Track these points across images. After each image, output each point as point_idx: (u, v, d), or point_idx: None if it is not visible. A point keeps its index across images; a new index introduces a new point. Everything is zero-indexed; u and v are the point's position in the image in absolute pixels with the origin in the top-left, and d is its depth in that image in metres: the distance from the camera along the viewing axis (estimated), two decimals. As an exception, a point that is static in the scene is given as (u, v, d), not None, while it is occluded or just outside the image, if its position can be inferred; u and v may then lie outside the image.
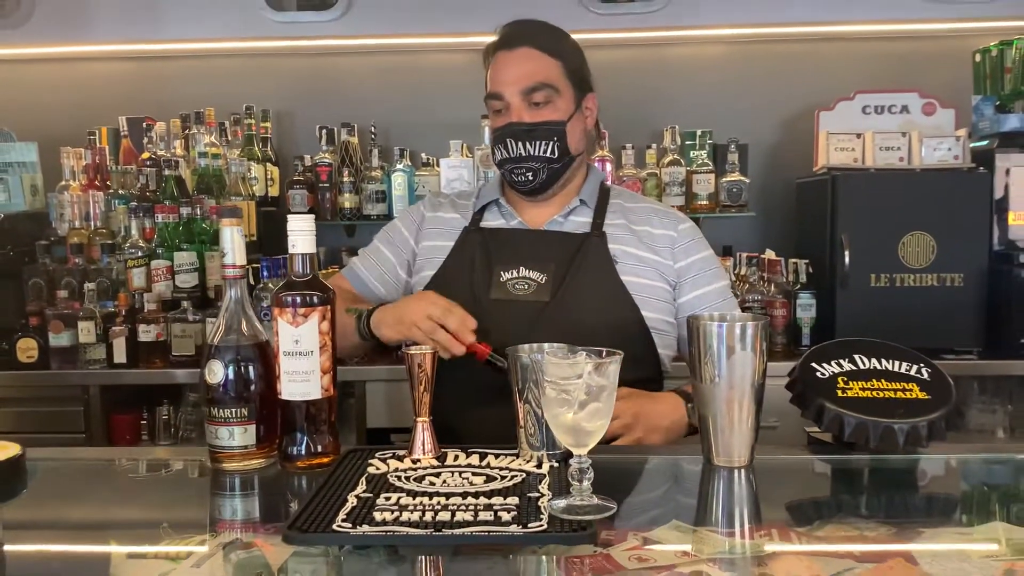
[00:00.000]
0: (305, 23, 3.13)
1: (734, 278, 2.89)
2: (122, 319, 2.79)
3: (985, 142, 2.89)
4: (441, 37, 3.22)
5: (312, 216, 1.29)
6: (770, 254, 2.94)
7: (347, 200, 3.19)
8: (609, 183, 1.86)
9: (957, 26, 3.15)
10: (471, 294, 1.60)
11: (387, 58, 3.37)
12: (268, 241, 3.19)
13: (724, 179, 3.14)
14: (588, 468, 1.03)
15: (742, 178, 3.14)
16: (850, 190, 2.81)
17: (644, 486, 1.27)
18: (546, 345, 1.28)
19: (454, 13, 3.12)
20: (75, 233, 2.93)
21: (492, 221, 1.74)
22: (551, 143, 1.64)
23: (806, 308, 2.85)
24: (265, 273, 2.80)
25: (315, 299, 1.22)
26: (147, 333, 2.77)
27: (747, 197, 3.14)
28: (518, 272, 1.63)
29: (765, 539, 1.04)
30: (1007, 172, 2.78)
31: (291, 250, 1.24)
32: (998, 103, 2.92)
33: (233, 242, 1.24)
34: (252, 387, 1.25)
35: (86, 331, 2.78)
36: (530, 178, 1.66)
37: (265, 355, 1.26)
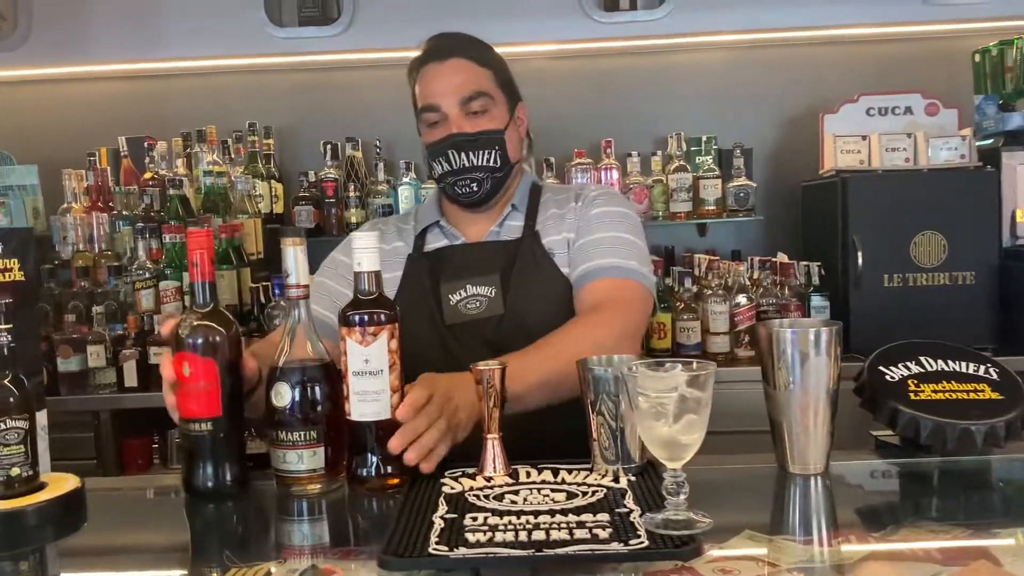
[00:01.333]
0: (308, 39, 3.10)
1: (747, 282, 2.90)
2: (132, 342, 2.75)
3: (990, 141, 2.92)
4: (444, 49, 3.20)
5: (376, 233, 1.27)
6: (782, 257, 2.94)
7: (353, 215, 3.16)
8: (540, 183, 1.82)
9: (954, 27, 3.18)
10: (428, 324, 1.57)
11: (390, 72, 3.31)
12: (275, 258, 3.15)
13: (731, 184, 3.15)
14: (684, 482, 1.02)
15: (748, 182, 3.15)
16: (860, 192, 2.82)
17: (717, 496, 1.25)
18: (616, 357, 1.27)
19: (456, 26, 3.07)
20: (80, 256, 2.89)
21: (434, 243, 1.69)
22: (493, 152, 1.62)
23: (820, 310, 2.86)
24: (277, 291, 2.78)
25: (383, 317, 1.20)
26: (158, 356, 2.72)
27: (754, 201, 3.15)
28: (465, 291, 1.60)
29: (845, 546, 1.04)
30: (1015, 169, 2.81)
31: (356, 268, 1.22)
32: (1001, 102, 2.95)
33: (296, 262, 1.22)
34: (319, 409, 1.22)
35: (95, 355, 2.74)
36: (475, 189, 1.63)
37: (331, 376, 1.24)
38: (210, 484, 1.23)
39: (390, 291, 1.62)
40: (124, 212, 3.01)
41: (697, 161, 3.22)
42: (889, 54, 3.30)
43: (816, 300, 2.87)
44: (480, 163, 1.61)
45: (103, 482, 1.38)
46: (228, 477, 1.24)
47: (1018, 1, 3.02)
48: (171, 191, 2.94)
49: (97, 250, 2.93)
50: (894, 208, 2.80)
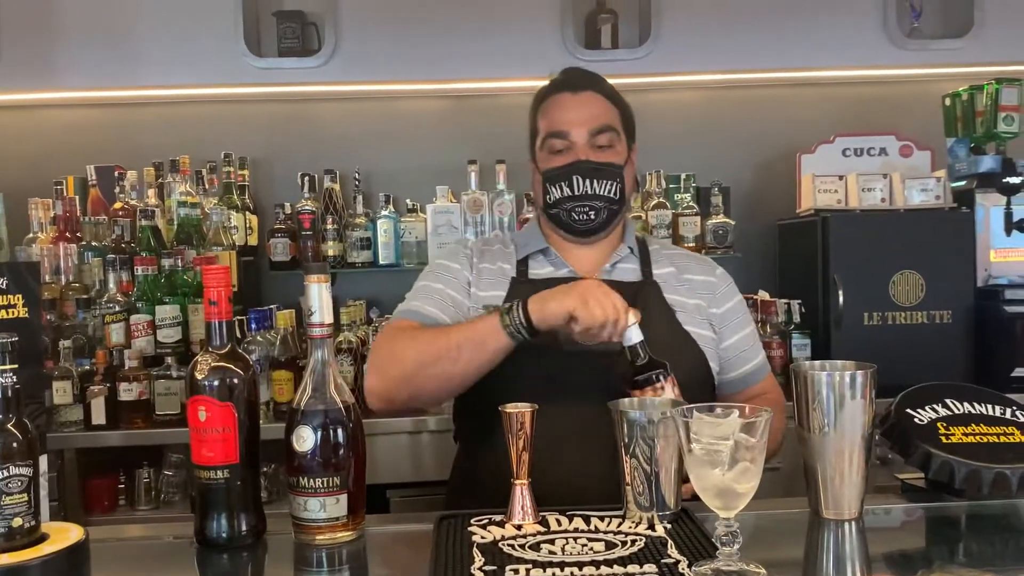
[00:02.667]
0: (288, 69, 3.05)
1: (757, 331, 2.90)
2: (101, 378, 2.64)
3: (963, 183, 2.98)
4: (425, 84, 3.18)
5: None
6: (764, 295, 2.96)
7: (331, 248, 3.10)
8: (639, 233, 1.86)
9: (926, 71, 3.26)
10: (536, 347, 1.54)
11: (370, 104, 3.31)
12: (248, 292, 3.09)
13: (709, 221, 3.17)
14: (737, 531, 0.99)
15: (727, 220, 3.17)
16: (840, 231, 2.86)
17: (749, 541, 1.22)
18: (648, 399, 1.25)
19: (438, 61, 3.09)
20: (47, 288, 2.77)
21: (539, 270, 1.69)
22: (615, 184, 1.64)
23: (801, 348, 2.88)
24: (253, 326, 2.70)
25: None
26: (128, 392, 2.62)
27: (732, 238, 3.17)
28: None
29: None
30: (988, 211, 2.87)
31: (628, 343, 1.33)
32: (972, 145, 3.02)
33: (321, 299, 1.17)
34: (342, 453, 1.17)
35: (62, 391, 2.62)
36: (591, 217, 1.64)
37: (354, 419, 1.19)
38: (225, 534, 1.17)
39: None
40: (93, 243, 2.91)
41: (676, 198, 3.23)
42: (864, 97, 3.37)
43: (797, 338, 2.88)
44: (602, 192, 1.63)
45: (107, 531, 1.30)
46: (244, 527, 1.18)
47: (988, 47, 3.11)
48: (143, 222, 2.86)
49: (64, 282, 2.82)
50: (873, 247, 2.84)
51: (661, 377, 1.38)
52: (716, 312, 1.70)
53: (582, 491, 1.31)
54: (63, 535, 1.13)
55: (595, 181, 1.62)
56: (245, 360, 1.19)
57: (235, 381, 1.16)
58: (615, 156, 1.65)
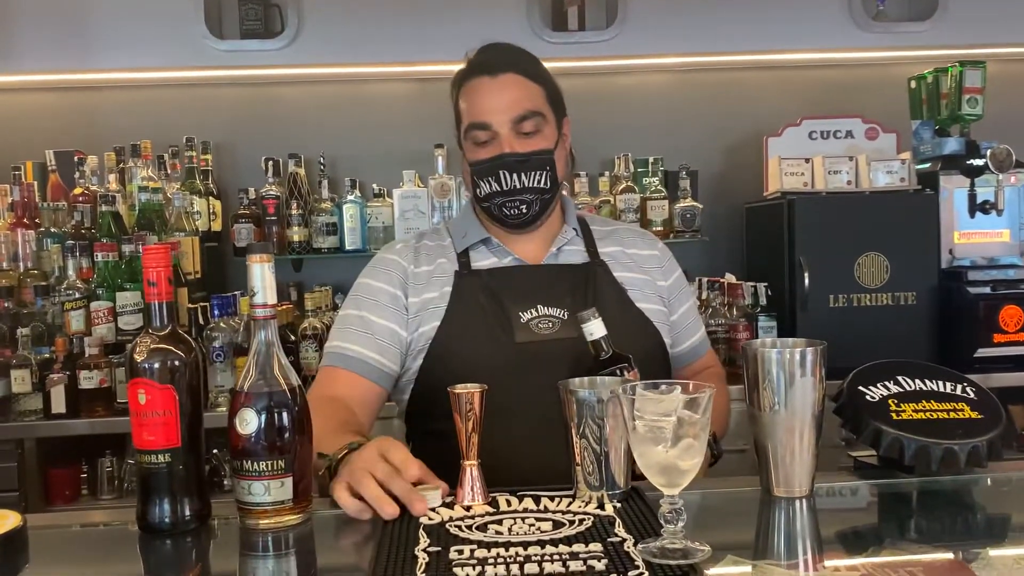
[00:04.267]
0: (250, 51, 3.01)
1: (697, 302, 2.90)
2: (60, 366, 2.61)
3: (927, 165, 2.99)
4: (390, 67, 3.15)
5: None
6: (730, 278, 2.96)
7: (296, 233, 3.07)
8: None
9: (891, 54, 3.27)
10: (490, 340, 1.52)
11: (335, 88, 3.28)
12: (213, 278, 3.05)
13: (677, 205, 3.16)
14: (681, 509, 0.98)
15: (695, 204, 3.17)
16: (806, 213, 2.86)
17: (700, 520, 1.22)
18: (598, 378, 1.23)
19: (403, 43, 3.06)
20: (3, 275, 2.73)
21: (482, 261, 1.63)
22: (544, 173, 1.56)
23: (767, 331, 2.88)
24: (216, 312, 2.67)
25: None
26: (89, 380, 2.59)
27: (700, 222, 3.17)
28: (536, 311, 1.55)
29: (832, 570, 1.01)
30: (952, 192, 2.88)
31: (591, 338, 1.35)
32: (937, 127, 3.03)
33: (264, 280, 1.15)
34: (287, 436, 1.15)
35: (20, 380, 2.59)
36: (524, 211, 1.58)
37: (299, 402, 1.16)
38: (168, 519, 1.14)
39: (439, 307, 1.57)
40: (52, 229, 2.86)
41: (644, 182, 3.23)
42: (830, 79, 3.38)
43: (763, 320, 2.89)
44: (531, 184, 1.55)
45: (46, 518, 1.27)
46: (187, 512, 1.15)
47: (953, 30, 3.12)
48: (103, 207, 2.82)
49: (23, 268, 2.78)
50: (838, 230, 2.85)
51: (624, 371, 1.38)
52: (664, 285, 1.69)
53: (540, 471, 1.29)
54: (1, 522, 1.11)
55: (523, 174, 1.54)
56: (187, 342, 1.16)
57: (176, 363, 1.14)
58: (543, 141, 1.56)
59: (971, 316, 2.81)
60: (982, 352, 2.80)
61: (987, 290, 2.82)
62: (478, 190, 1.59)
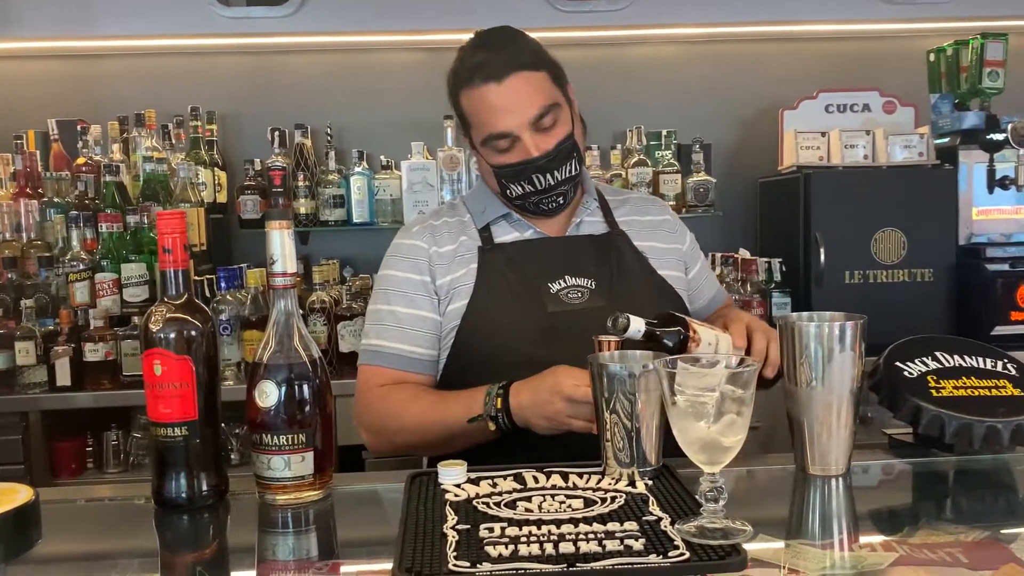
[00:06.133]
0: (256, 19, 2.94)
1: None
2: (65, 338, 2.57)
3: (946, 139, 2.94)
4: (399, 35, 3.09)
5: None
6: (744, 253, 2.92)
7: (303, 205, 3.01)
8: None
9: (911, 26, 3.21)
10: (522, 312, 1.49)
11: (342, 57, 3.21)
12: (218, 250, 3.01)
13: (690, 179, 3.11)
14: (722, 487, 0.94)
15: (708, 178, 3.12)
16: (822, 188, 2.81)
17: (733, 498, 1.18)
18: (629, 352, 1.19)
19: (412, 11, 2.99)
20: (7, 245, 2.68)
21: (504, 236, 1.59)
22: (572, 161, 1.53)
23: (781, 307, 2.84)
24: (223, 284, 2.63)
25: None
26: (94, 352, 2.55)
27: (713, 197, 3.12)
28: (564, 282, 1.52)
29: (870, 551, 0.98)
30: (971, 168, 2.83)
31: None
32: (956, 101, 2.97)
33: (283, 247, 1.10)
34: (308, 410, 1.11)
35: (24, 352, 2.54)
36: (561, 202, 1.56)
37: (320, 374, 1.12)
38: (184, 494, 1.11)
39: (466, 284, 1.53)
40: (55, 199, 2.81)
41: (657, 156, 3.17)
42: (847, 52, 3.31)
43: (777, 296, 2.85)
44: (563, 177, 1.52)
45: (59, 492, 1.24)
46: (204, 486, 1.12)
47: (973, 2, 3.05)
48: (107, 177, 2.75)
49: (26, 239, 2.73)
50: (855, 205, 2.80)
51: (681, 335, 1.30)
52: (682, 248, 1.69)
53: (581, 444, 1.25)
54: (11, 497, 1.07)
55: (554, 171, 1.50)
56: (204, 312, 1.12)
57: (193, 334, 1.10)
58: (563, 127, 1.50)
59: (988, 293, 2.76)
60: (999, 330, 2.76)
61: (1005, 267, 2.77)
62: (508, 191, 1.54)
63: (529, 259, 1.55)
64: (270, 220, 1.10)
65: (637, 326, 1.26)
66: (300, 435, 1.10)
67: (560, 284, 1.52)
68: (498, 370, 1.40)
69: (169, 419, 1.09)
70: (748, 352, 1.35)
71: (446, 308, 1.54)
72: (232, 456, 2.61)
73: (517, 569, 0.87)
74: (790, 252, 2.90)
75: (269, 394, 1.09)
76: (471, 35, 1.57)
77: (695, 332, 1.29)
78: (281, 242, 1.11)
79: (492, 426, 1.35)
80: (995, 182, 2.80)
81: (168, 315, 1.10)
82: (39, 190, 2.86)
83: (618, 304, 1.48)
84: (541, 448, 1.31)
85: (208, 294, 2.67)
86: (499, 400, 1.34)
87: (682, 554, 0.89)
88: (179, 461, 1.10)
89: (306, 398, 1.11)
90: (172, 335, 1.09)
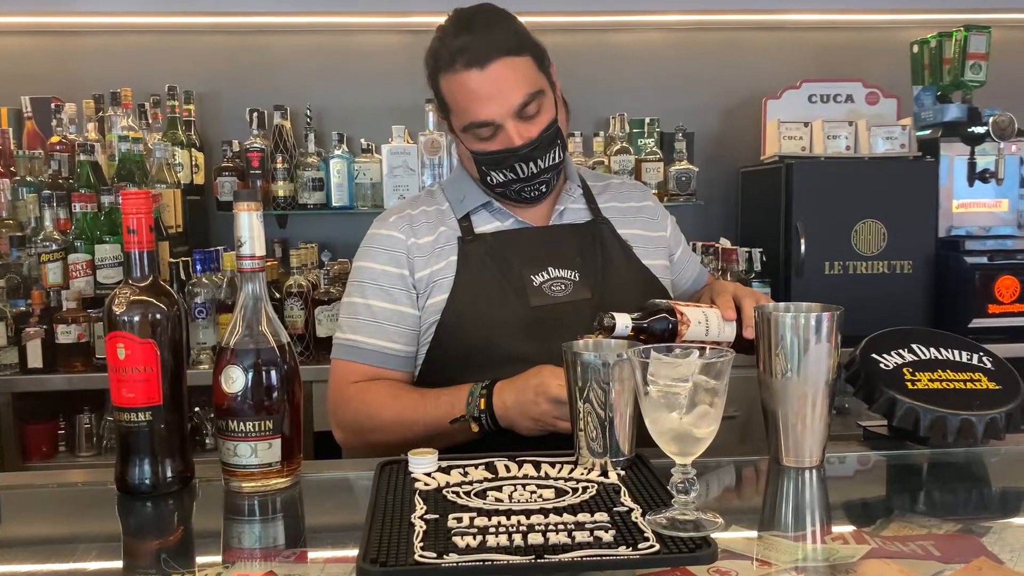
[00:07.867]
0: (235, -3, 2.90)
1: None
2: (37, 319, 2.53)
3: (928, 131, 2.94)
4: (381, 16, 3.05)
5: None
6: (725, 243, 2.91)
7: (281, 188, 2.98)
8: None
9: (895, 17, 3.20)
10: (505, 306, 1.46)
11: (323, 38, 3.17)
12: (195, 232, 2.97)
13: (672, 167, 3.10)
14: (694, 479, 0.93)
15: (690, 166, 3.11)
16: (803, 178, 2.81)
17: (706, 490, 1.18)
18: (604, 341, 1.18)
19: (397, -7, 2.96)
20: (-22, 224, 2.64)
21: (485, 225, 1.55)
22: (555, 148, 1.48)
23: (761, 297, 2.83)
24: (199, 267, 2.59)
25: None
26: (67, 334, 2.52)
27: (695, 186, 3.11)
28: (548, 274, 1.49)
29: (843, 543, 0.97)
30: (952, 160, 2.83)
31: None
32: (939, 93, 2.97)
33: (252, 229, 1.08)
34: (276, 395, 1.09)
35: (-5, 333, 2.50)
36: (543, 190, 1.52)
37: (288, 360, 1.10)
38: (148, 481, 1.09)
39: (447, 278, 1.49)
40: (28, 178, 2.76)
41: (639, 143, 3.15)
42: (831, 42, 3.30)
43: (757, 286, 2.84)
44: (547, 164, 1.48)
45: (17, 477, 1.21)
46: (169, 473, 1.10)
47: (954, -6, 3.05)
48: (81, 156, 2.71)
49: (-2, 218, 2.69)
50: (836, 195, 2.80)
51: (669, 322, 1.28)
52: (665, 235, 1.67)
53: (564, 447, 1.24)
54: (-32, 481, 1.05)
55: (538, 159, 1.46)
56: (170, 295, 1.10)
57: (158, 317, 1.07)
58: (547, 114, 1.45)
59: (967, 286, 2.77)
60: (977, 323, 2.77)
61: (984, 260, 2.78)
62: (488, 179, 1.50)
63: (511, 251, 1.51)
64: (238, 201, 1.07)
65: (624, 323, 1.24)
66: (267, 422, 1.08)
67: (543, 276, 1.49)
68: (480, 366, 1.38)
69: (133, 404, 1.07)
70: (740, 319, 1.33)
71: (425, 303, 1.50)
72: (207, 441, 2.59)
73: (484, 560, 0.85)
74: (771, 242, 2.90)
75: (236, 379, 1.07)
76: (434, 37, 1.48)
77: (683, 315, 1.28)
78: (250, 224, 1.08)
79: (475, 427, 1.32)
80: (975, 175, 2.80)
81: (132, 297, 1.07)
82: (11, 168, 2.81)
83: (603, 296, 1.47)
84: (525, 449, 1.29)
85: (184, 276, 2.64)
86: (483, 400, 1.32)
87: (652, 546, 0.88)
88: (143, 447, 1.08)
89: (274, 384, 1.09)
90: (136, 318, 1.07)
